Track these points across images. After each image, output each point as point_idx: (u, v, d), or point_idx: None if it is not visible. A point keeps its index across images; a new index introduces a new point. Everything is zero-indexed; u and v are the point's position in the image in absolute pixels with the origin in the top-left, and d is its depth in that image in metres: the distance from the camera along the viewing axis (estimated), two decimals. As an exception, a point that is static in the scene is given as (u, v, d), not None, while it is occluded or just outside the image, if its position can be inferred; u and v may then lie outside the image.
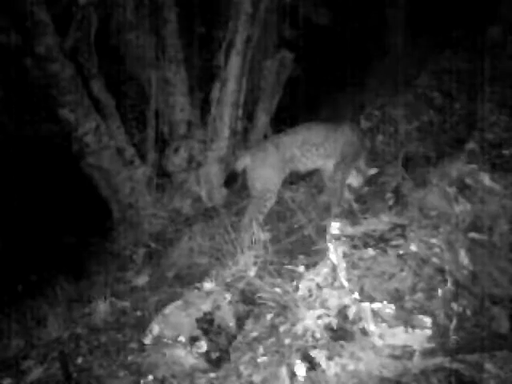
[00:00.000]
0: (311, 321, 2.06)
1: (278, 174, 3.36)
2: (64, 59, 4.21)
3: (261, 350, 2.15)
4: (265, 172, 3.35)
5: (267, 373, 1.98)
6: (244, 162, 3.44)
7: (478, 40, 4.55)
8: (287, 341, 2.08)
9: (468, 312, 1.91)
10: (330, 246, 2.24)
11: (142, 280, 3.74)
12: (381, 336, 1.87)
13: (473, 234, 2.20)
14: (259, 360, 2.09)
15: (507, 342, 1.79)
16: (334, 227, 2.29)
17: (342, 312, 2.03)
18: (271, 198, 3.35)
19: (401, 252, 2.09)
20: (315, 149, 3.38)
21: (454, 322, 1.87)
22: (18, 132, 5.16)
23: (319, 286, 2.22)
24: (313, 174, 3.87)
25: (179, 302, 2.61)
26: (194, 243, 3.85)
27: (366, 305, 1.94)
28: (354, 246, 2.17)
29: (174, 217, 4.70)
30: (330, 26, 5.71)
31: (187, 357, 2.34)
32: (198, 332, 2.41)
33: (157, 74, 4.75)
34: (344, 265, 2.10)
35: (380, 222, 2.31)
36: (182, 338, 2.40)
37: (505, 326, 1.86)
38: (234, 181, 3.59)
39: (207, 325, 2.44)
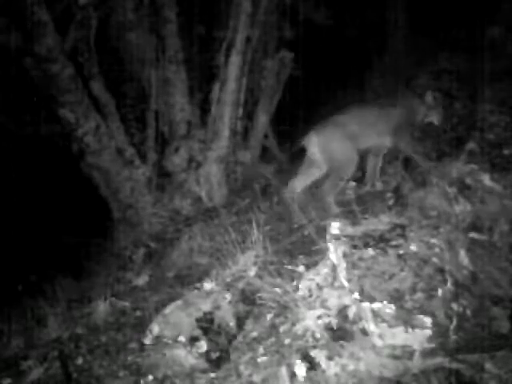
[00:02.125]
0: (311, 321, 2.06)
1: (350, 145, 3.41)
2: (64, 59, 4.21)
3: (261, 349, 2.15)
4: (338, 144, 3.42)
5: (267, 373, 1.98)
6: (311, 139, 3.47)
7: (477, 40, 4.55)
8: (287, 341, 2.08)
9: (468, 312, 1.91)
10: (330, 246, 2.23)
11: (142, 280, 3.74)
12: (381, 336, 1.87)
13: (473, 234, 2.20)
14: (259, 360, 2.09)
15: (507, 342, 1.79)
16: (334, 227, 2.29)
17: (342, 312, 2.03)
18: (351, 166, 3.41)
19: (401, 252, 2.10)
20: (370, 127, 3.43)
21: (454, 322, 1.87)
22: (18, 132, 5.16)
23: (319, 286, 2.21)
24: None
25: (179, 302, 2.61)
26: (194, 243, 3.85)
27: (366, 305, 1.94)
28: (354, 246, 2.17)
29: (173, 217, 4.70)
30: (330, 25, 5.71)
31: (187, 357, 2.34)
32: (198, 332, 2.41)
33: (157, 74, 4.75)
34: (344, 265, 2.10)
35: (380, 222, 2.31)
36: (182, 338, 2.40)
37: (505, 326, 1.86)
38: (300, 157, 3.64)
39: (207, 325, 2.44)
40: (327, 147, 3.44)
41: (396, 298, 1.93)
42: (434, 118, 3.54)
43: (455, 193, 2.42)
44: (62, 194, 5.44)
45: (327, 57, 5.75)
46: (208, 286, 2.71)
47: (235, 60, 4.76)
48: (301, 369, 1.88)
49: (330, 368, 1.84)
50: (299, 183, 3.61)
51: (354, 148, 3.43)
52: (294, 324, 2.14)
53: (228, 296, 2.56)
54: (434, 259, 2.05)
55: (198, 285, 2.78)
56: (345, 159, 3.42)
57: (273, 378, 1.93)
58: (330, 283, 2.19)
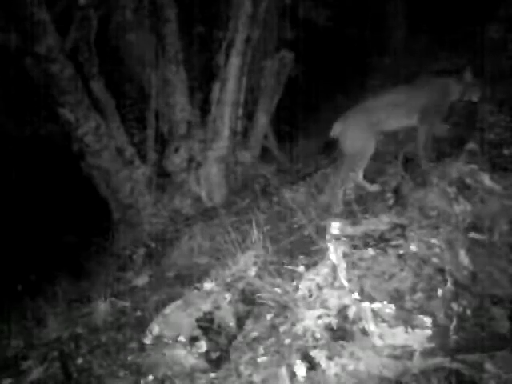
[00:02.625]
0: (311, 321, 2.06)
1: (367, 136, 3.44)
2: (64, 59, 4.21)
3: (261, 349, 2.15)
4: (355, 134, 3.45)
5: (267, 373, 1.98)
6: (338, 127, 3.52)
7: (477, 40, 4.55)
8: (287, 341, 2.08)
9: (468, 312, 1.91)
10: (330, 246, 2.23)
11: (141, 280, 3.74)
12: (381, 336, 1.87)
13: (473, 234, 2.20)
14: (259, 360, 2.09)
15: (507, 342, 1.79)
16: (334, 227, 2.29)
17: (342, 312, 2.03)
18: (364, 157, 3.44)
19: (401, 252, 2.09)
20: (398, 109, 3.47)
21: (454, 322, 1.86)
22: (18, 132, 5.16)
23: (319, 286, 2.21)
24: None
25: (179, 302, 2.61)
26: (194, 243, 3.85)
27: (366, 305, 1.94)
28: (354, 246, 2.17)
29: (173, 217, 4.70)
30: (330, 25, 5.71)
31: (187, 357, 2.34)
32: (197, 332, 2.41)
33: (157, 74, 4.75)
34: (344, 265, 2.10)
35: (380, 222, 2.31)
36: (182, 338, 2.40)
37: (505, 326, 1.86)
38: (332, 147, 3.64)
39: (207, 325, 2.44)
40: (345, 135, 3.48)
41: (396, 298, 1.93)
42: (474, 95, 3.50)
43: (455, 193, 2.42)
44: (62, 194, 5.45)
45: (327, 57, 5.75)
46: (208, 285, 2.70)
47: (235, 60, 4.76)
48: (301, 369, 1.88)
49: (330, 368, 1.84)
50: (340, 177, 3.60)
51: (371, 138, 3.45)
52: (293, 324, 2.14)
53: (228, 296, 2.56)
54: (434, 259, 2.05)
55: (197, 285, 2.78)
56: (359, 148, 3.44)
57: (273, 378, 1.93)
58: (330, 283, 2.19)
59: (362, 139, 3.45)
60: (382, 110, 3.48)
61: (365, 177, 3.56)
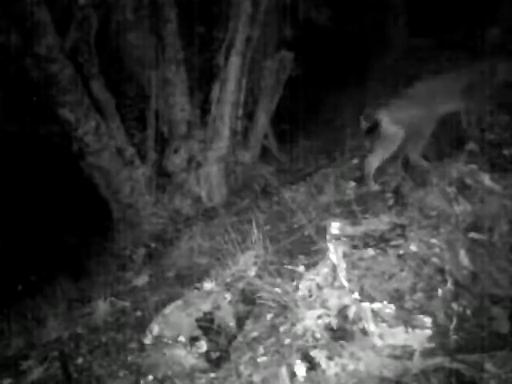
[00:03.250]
0: (311, 321, 2.06)
1: (421, 113, 3.43)
2: (64, 59, 4.21)
3: (261, 349, 2.15)
4: (409, 114, 3.44)
5: (267, 373, 1.98)
6: (383, 112, 3.51)
7: (477, 40, 4.55)
8: (287, 341, 2.08)
9: (468, 312, 1.91)
10: (330, 245, 2.23)
11: (141, 280, 3.74)
12: (381, 336, 1.87)
13: (473, 234, 2.19)
14: (259, 360, 2.09)
15: (507, 342, 1.79)
16: (334, 227, 2.29)
17: (342, 312, 2.02)
18: (416, 138, 3.46)
19: (401, 252, 2.09)
20: (441, 94, 3.46)
21: (454, 322, 1.86)
22: (18, 132, 5.16)
23: (319, 286, 2.21)
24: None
25: (179, 302, 2.61)
26: (194, 243, 3.85)
27: (366, 305, 1.94)
28: (354, 246, 2.17)
29: (173, 217, 4.70)
30: (330, 25, 5.71)
31: (187, 357, 2.34)
32: (198, 332, 2.41)
33: (157, 74, 4.75)
34: (344, 265, 2.10)
35: (380, 222, 2.31)
36: (182, 338, 2.40)
37: (505, 326, 1.86)
38: (375, 130, 3.62)
39: (207, 325, 2.44)
40: (399, 119, 3.46)
41: (396, 298, 1.93)
42: None
43: (455, 193, 2.42)
44: (62, 193, 5.44)
45: (327, 57, 5.75)
46: (208, 285, 2.71)
47: (235, 60, 4.76)
48: (301, 369, 1.88)
49: (330, 368, 1.84)
50: (376, 159, 3.60)
51: (427, 116, 3.43)
52: (293, 324, 2.14)
53: (228, 296, 2.56)
54: (434, 259, 2.05)
55: (197, 285, 2.78)
56: (419, 127, 3.43)
57: (273, 378, 1.93)
58: (330, 283, 2.18)
59: (419, 119, 3.42)
60: (428, 94, 3.44)
61: (425, 157, 3.52)
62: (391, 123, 3.47)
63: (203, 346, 2.36)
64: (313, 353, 1.91)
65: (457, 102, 3.48)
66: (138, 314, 3.05)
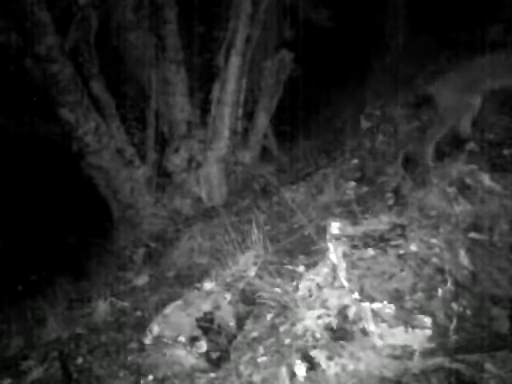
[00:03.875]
0: (311, 321, 2.06)
1: (463, 94, 3.42)
2: (64, 59, 4.21)
3: (261, 349, 2.15)
4: (451, 93, 3.45)
5: (267, 373, 1.98)
6: (432, 89, 3.55)
7: (477, 39, 4.55)
8: (287, 341, 2.08)
9: (468, 312, 1.91)
10: (330, 245, 2.23)
11: (142, 280, 3.74)
12: (381, 336, 1.87)
13: (473, 234, 2.19)
14: (259, 360, 2.09)
15: (507, 342, 1.79)
16: (334, 227, 2.29)
17: (342, 312, 2.03)
18: (464, 113, 3.42)
19: (401, 252, 2.09)
20: (496, 67, 3.47)
21: (454, 322, 1.86)
22: (18, 132, 5.15)
23: (319, 286, 2.22)
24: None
25: (179, 302, 2.61)
26: (194, 243, 3.85)
27: (366, 305, 1.94)
28: (354, 246, 2.16)
29: (173, 217, 4.70)
30: (330, 26, 5.71)
31: (187, 357, 2.34)
32: (198, 332, 2.41)
33: (157, 74, 4.75)
34: (344, 265, 2.10)
35: (380, 222, 2.31)
36: (181, 338, 2.40)
37: (505, 326, 1.86)
38: (424, 105, 3.73)
39: (207, 325, 2.44)
40: (443, 94, 3.47)
41: (396, 298, 1.93)
42: None
43: (455, 193, 2.42)
44: (62, 194, 5.44)
45: (327, 57, 5.74)
46: (208, 285, 2.71)
47: (235, 60, 4.76)
48: (301, 369, 1.88)
49: (330, 368, 1.84)
50: (436, 133, 3.59)
51: (469, 96, 3.40)
52: (293, 324, 2.14)
53: (228, 296, 2.56)
54: (434, 259, 2.05)
55: (198, 285, 2.78)
56: (457, 105, 3.41)
57: (273, 378, 1.93)
58: (330, 283, 2.19)
59: (458, 97, 3.40)
60: (478, 69, 3.44)
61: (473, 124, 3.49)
62: (451, 95, 3.45)
63: (203, 346, 2.36)
64: (313, 353, 1.91)
65: (506, 78, 3.51)
66: (138, 313, 3.05)
